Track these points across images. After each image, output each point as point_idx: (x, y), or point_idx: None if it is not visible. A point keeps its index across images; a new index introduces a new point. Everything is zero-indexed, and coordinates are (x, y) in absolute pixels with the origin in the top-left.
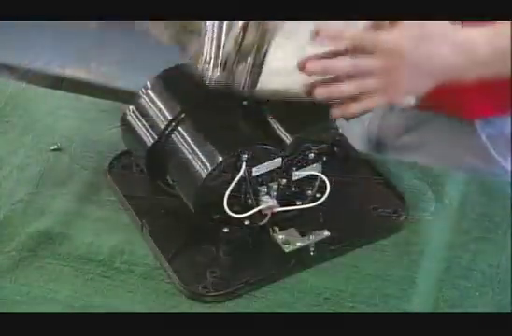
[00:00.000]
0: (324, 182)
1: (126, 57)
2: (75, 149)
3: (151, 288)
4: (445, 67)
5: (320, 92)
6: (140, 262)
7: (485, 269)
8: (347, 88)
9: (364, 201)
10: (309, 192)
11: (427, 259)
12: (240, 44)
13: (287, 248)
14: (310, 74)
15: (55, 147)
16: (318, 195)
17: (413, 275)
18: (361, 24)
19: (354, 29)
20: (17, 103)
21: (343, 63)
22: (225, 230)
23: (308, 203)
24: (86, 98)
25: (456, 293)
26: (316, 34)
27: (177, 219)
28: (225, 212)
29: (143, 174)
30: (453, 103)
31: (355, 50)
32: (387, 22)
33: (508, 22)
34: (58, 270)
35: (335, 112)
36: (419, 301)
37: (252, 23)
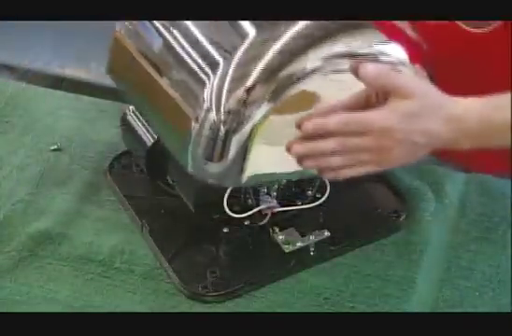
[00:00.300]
0: (324, 182)
1: None
2: (75, 149)
3: (151, 288)
4: (438, 140)
5: (309, 165)
6: (140, 262)
7: (485, 269)
8: (335, 161)
9: (364, 201)
10: (309, 192)
11: (427, 259)
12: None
13: (287, 248)
14: (297, 156)
15: (55, 146)
16: (318, 195)
17: (413, 275)
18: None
19: (339, 113)
20: (17, 103)
21: (331, 145)
22: (225, 230)
23: (308, 203)
24: (86, 98)
25: (456, 293)
26: (298, 127)
27: (177, 219)
28: (225, 212)
29: (143, 174)
30: (458, 155)
31: (343, 132)
32: (374, 99)
33: (505, 94)
34: (58, 270)
35: (327, 176)
36: (419, 301)
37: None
